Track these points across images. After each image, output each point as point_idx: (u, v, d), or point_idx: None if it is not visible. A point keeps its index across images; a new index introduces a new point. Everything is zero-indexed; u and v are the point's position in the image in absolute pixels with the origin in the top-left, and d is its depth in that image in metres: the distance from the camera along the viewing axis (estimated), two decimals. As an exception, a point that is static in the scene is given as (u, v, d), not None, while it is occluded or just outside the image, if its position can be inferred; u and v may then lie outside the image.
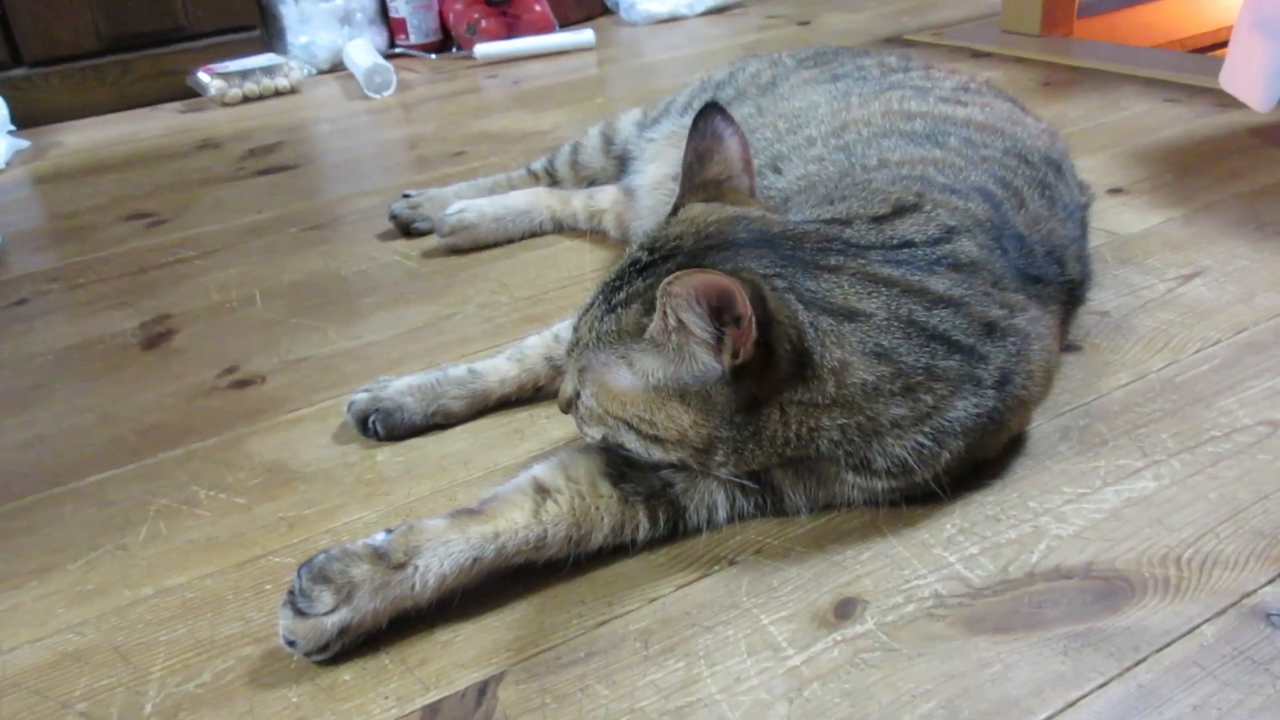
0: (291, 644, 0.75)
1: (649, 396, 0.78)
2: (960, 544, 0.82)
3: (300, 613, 0.74)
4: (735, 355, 0.73)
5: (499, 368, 1.04)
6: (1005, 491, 0.88)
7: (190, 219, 1.76)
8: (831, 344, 0.76)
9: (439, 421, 1.03)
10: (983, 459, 0.88)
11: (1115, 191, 1.48)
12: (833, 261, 0.80)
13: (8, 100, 2.34)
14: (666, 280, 0.71)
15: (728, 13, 3.11)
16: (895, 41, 2.53)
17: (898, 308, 0.79)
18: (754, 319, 0.71)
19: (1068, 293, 0.98)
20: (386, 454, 1.02)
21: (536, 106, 2.31)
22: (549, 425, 1.03)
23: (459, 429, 1.04)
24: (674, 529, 0.86)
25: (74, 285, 1.53)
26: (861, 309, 0.78)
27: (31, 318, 1.43)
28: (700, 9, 3.07)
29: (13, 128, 2.30)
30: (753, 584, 0.80)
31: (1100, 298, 1.17)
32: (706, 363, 0.75)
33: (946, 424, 0.80)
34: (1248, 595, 0.75)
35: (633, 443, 0.81)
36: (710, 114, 0.89)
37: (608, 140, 1.54)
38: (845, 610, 0.77)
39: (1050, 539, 0.82)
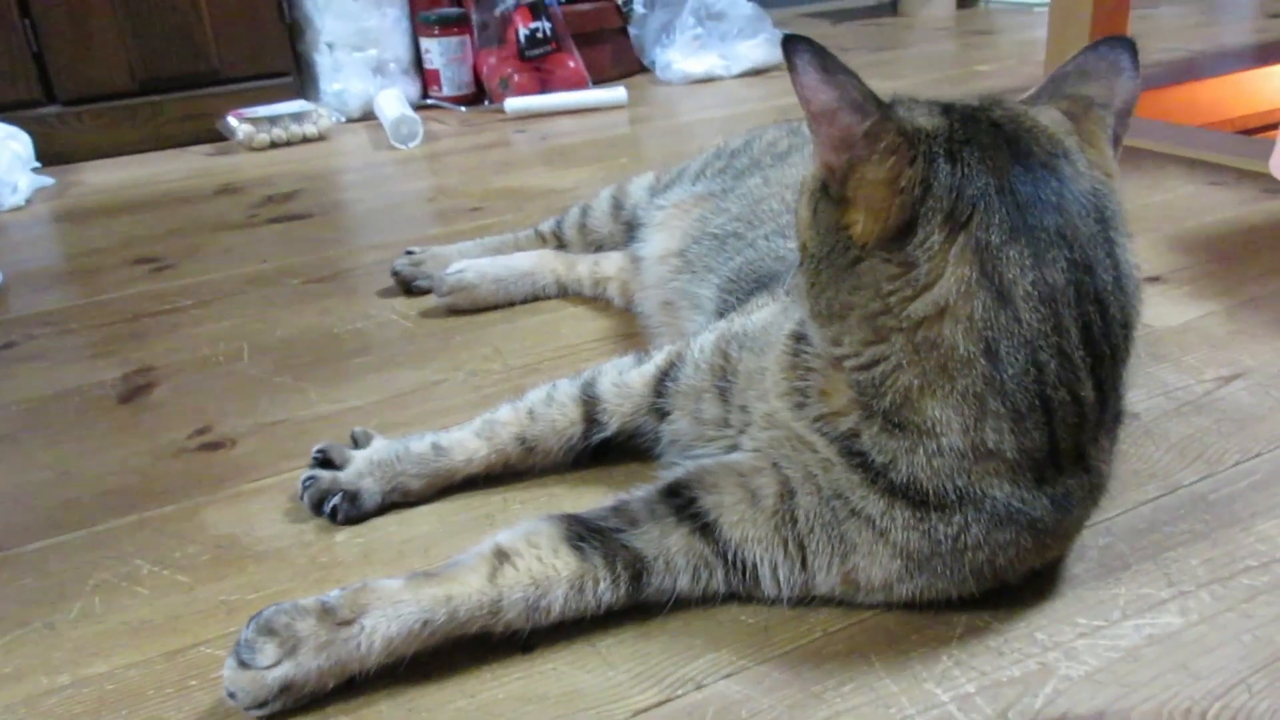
0: (232, 695, 0.71)
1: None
2: (955, 679, 0.73)
3: (243, 664, 0.71)
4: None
5: (466, 445, 0.97)
6: (1011, 619, 0.79)
7: (195, 266, 1.73)
8: (958, 282, 0.67)
9: (396, 500, 0.96)
10: (1001, 583, 0.79)
11: (1153, 280, 1.40)
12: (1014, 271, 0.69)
13: (37, 137, 2.34)
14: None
15: (765, 75, 3.07)
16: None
17: (1038, 351, 0.68)
18: (921, 179, 0.68)
19: None
20: (345, 535, 0.95)
21: (561, 164, 2.27)
22: (523, 511, 0.96)
23: (426, 510, 0.97)
24: (637, 583, 0.79)
25: (65, 330, 1.49)
26: (1018, 307, 0.67)
27: (15, 362, 1.39)
28: (737, 70, 3.04)
29: (37, 165, 2.29)
30: (719, 715, 0.72)
31: (1130, 397, 1.07)
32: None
33: (984, 487, 0.71)
34: (1283, 765, 0.65)
35: None
36: (1118, 45, 0.77)
37: (618, 204, 1.48)
38: (819, 753, 0.68)
39: (1059, 680, 0.73)
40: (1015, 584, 0.79)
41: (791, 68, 0.70)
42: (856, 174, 0.70)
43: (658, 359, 0.97)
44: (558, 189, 2.03)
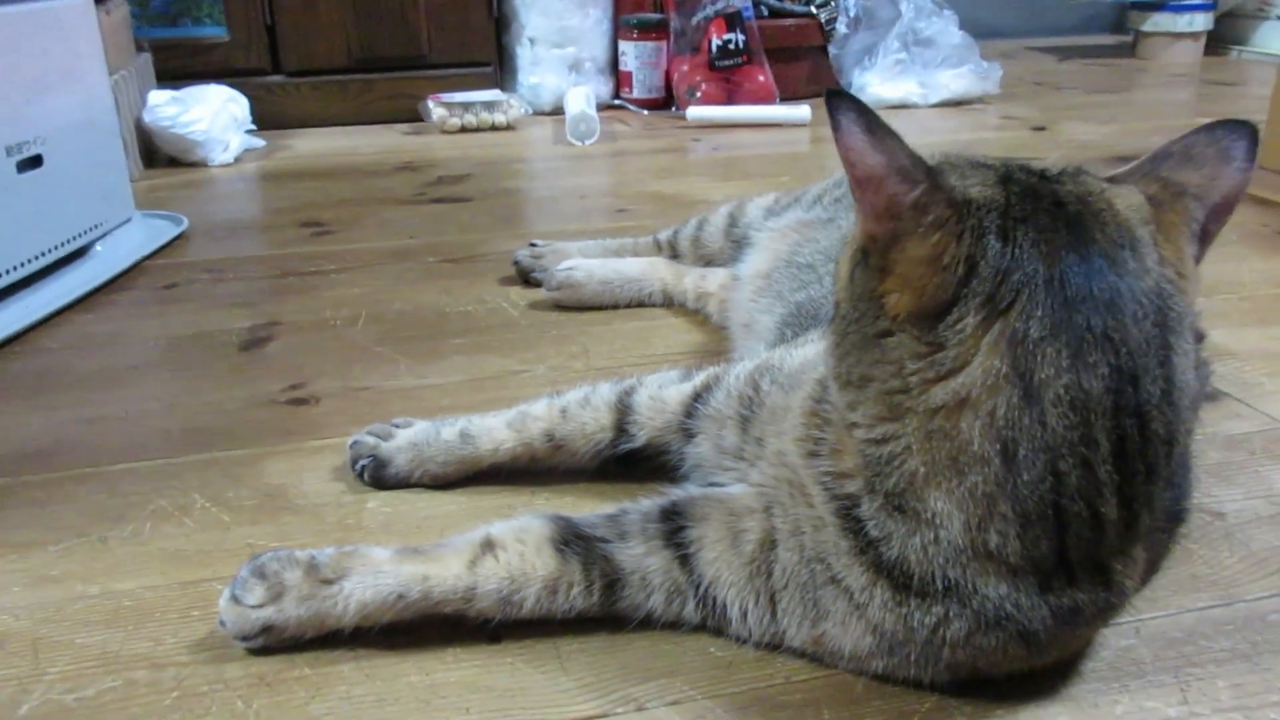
0: (223, 623, 0.79)
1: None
2: (902, 757, 0.69)
3: (235, 599, 0.78)
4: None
5: (495, 434, 0.99)
6: (985, 708, 0.73)
7: (352, 234, 1.85)
8: (985, 374, 0.61)
9: (426, 483, 1.00)
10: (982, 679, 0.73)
11: (1305, 371, 1.26)
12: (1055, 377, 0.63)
13: (259, 102, 2.57)
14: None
15: (964, 107, 2.96)
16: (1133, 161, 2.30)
17: (1059, 460, 0.62)
18: (966, 257, 0.62)
19: None
20: (376, 502, 1.00)
21: (723, 176, 2.27)
22: (545, 508, 0.97)
23: (457, 492, 1.01)
24: (610, 593, 0.80)
25: (220, 279, 1.63)
26: (1045, 411, 0.61)
27: (171, 302, 1.54)
28: (934, 100, 2.95)
29: (253, 126, 2.51)
30: (647, 740, 0.71)
31: (1222, 495, 0.98)
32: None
33: (976, 583, 0.67)
34: None
35: None
36: (1236, 130, 0.68)
37: (732, 221, 1.47)
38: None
39: (1013, 779, 0.68)
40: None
41: (835, 127, 0.65)
42: (899, 246, 0.64)
43: (697, 379, 0.96)
44: (708, 199, 2.03)
